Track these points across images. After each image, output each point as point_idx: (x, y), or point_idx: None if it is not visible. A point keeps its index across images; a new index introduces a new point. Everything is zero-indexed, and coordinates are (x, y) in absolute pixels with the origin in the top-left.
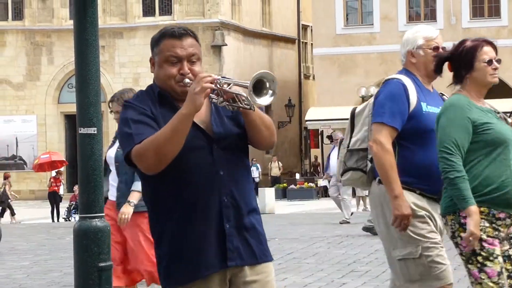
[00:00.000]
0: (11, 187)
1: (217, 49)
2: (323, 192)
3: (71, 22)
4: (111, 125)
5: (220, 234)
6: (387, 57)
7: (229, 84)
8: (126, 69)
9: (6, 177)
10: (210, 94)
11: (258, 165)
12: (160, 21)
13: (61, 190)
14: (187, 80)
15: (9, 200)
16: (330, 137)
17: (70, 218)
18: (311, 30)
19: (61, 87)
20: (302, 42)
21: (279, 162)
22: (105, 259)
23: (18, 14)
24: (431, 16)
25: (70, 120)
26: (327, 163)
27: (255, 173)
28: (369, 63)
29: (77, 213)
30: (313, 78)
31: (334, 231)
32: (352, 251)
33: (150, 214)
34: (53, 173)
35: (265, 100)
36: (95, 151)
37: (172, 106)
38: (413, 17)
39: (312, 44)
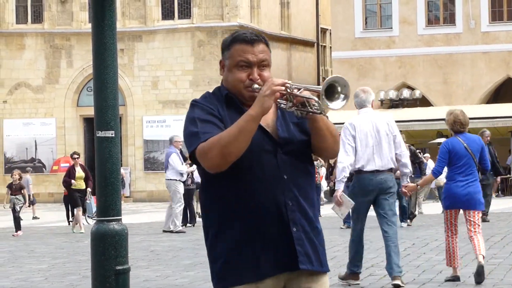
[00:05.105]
0: None
1: None
2: None
3: (90, 25)
4: (129, 128)
5: (285, 237)
6: (406, 60)
7: (299, 89)
8: (145, 72)
9: None
10: (279, 100)
11: None
12: (179, 24)
13: None
14: (256, 86)
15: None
16: None
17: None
18: (330, 33)
19: (80, 90)
20: (321, 45)
21: None
22: (122, 262)
23: (38, 17)
24: (450, 20)
25: (89, 123)
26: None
27: None
28: (388, 67)
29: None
30: None
31: None
32: (370, 255)
33: (208, 213)
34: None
35: (337, 104)
36: (113, 154)
37: (239, 110)
38: (432, 21)
39: (331, 47)
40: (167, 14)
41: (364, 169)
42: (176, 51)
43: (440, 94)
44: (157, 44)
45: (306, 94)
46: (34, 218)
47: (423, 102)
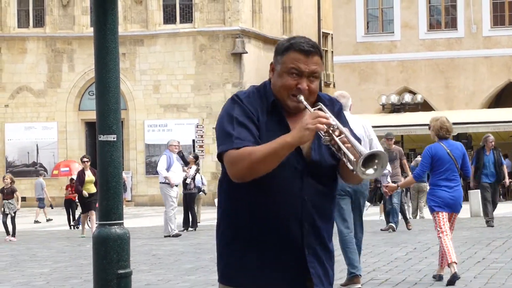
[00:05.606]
0: None
1: (237, 56)
2: None
3: (92, 29)
4: (131, 132)
5: (297, 258)
6: (407, 65)
7: (341, 134)
8: (147, 76)
9: None
10: None
11: None
12: (181, 28)
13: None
14: (301, 98)
15: None
16: None
17: (78, 226)
18: (332, 38)
19: (82, 94)
20: (323, 49)
21: None
22: (124, 266)
23: (39, 21)
24: (451, 24)
25: (91, 127)
26: None
27: None
28: (390, 71)
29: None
30: (334, 85)
31: None
32: (372, 259)
33: (223, 215)
34: (68, 180)
35: (369, 172)
36: (115, 158)
37: (280, 117)
38: (433, 25)
39: (332, 52)
40: (168, 18)
41: None
42: (177, 55)
43: (441, 98)
44: (159, 48)
45: (345, 143)
46: (36, 222)
47: (425, 106)
